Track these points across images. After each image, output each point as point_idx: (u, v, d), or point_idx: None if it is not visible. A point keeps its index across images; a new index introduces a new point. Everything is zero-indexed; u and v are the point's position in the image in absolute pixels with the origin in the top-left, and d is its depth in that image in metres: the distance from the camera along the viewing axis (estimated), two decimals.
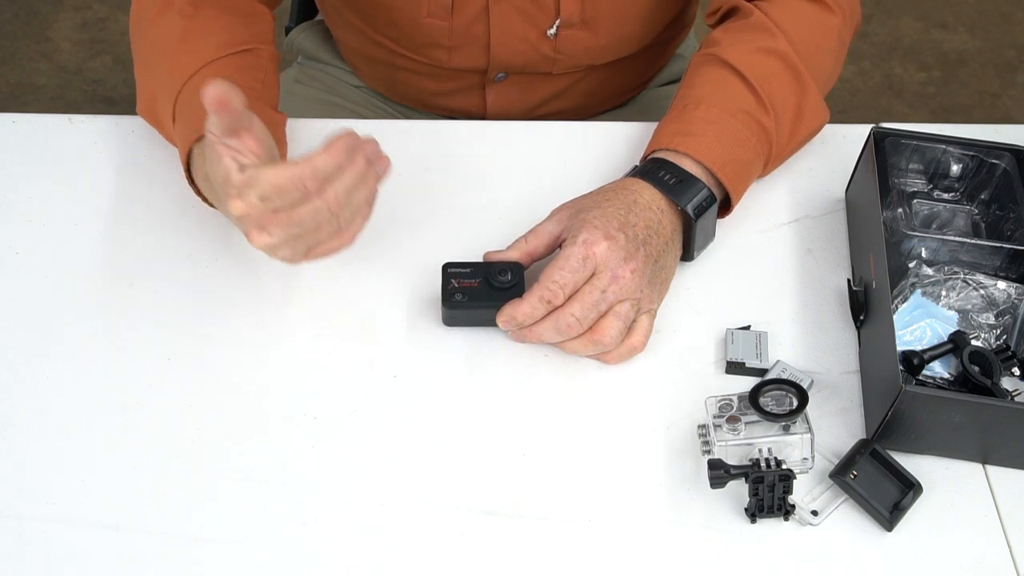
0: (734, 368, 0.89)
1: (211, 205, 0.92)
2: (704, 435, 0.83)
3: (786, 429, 0.80)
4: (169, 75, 0.95)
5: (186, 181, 0.93)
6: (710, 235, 0.95)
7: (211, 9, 0.98)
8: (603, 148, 1.05)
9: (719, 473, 0.78)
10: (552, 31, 1.08)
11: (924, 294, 0.90)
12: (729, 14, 1.05)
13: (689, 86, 0.99)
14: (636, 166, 0.96)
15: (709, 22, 1.08)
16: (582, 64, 1.14)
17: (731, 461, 0.80)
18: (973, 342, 0.87)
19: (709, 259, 0.97)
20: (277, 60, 1.02)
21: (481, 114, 1.20)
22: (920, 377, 0.86)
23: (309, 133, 1.04)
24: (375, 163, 0.81)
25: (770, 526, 0.80)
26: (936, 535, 0.81)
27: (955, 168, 0.97)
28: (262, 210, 0.77)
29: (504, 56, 1.11)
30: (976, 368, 0.85)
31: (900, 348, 0.85)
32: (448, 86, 1.18)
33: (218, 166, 0.79)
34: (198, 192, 0.92)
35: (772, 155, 0.98)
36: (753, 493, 0.79)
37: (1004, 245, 0.92)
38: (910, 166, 0.99)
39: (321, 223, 0.79)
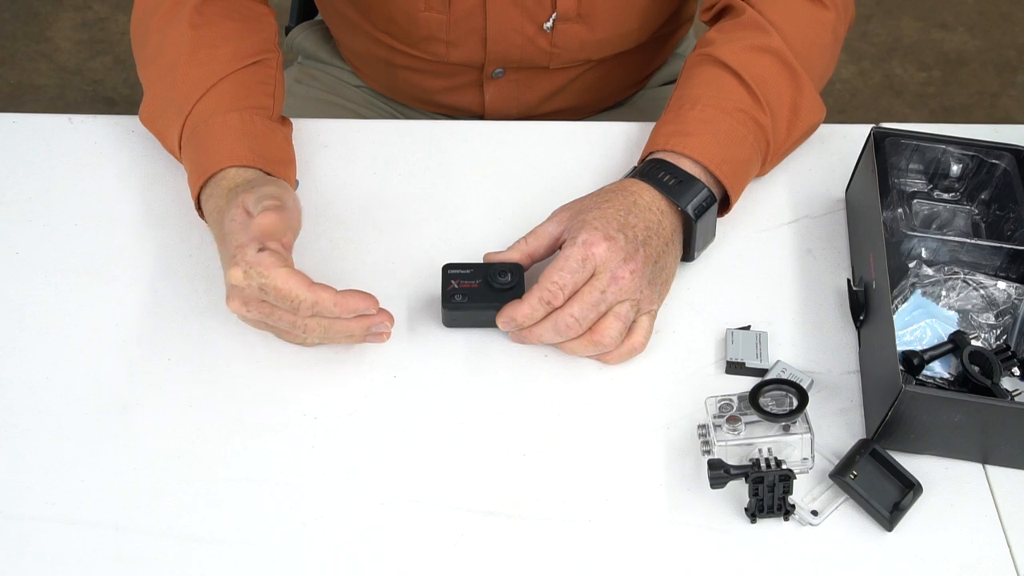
0: (734, 368, 0.89)
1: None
2: (704, 435, 0.83)
3: (786, 429, 0.80)
4: (177, 92, 0.95)
5: (191, 198, 0.93)
6: (710, 235, 0.95)
7: (219, 17, 0.98)
8: (602, 148, 1.05)
9: (719, 473, 0.78)
10: (548, 24, 1.08)
11: (924, 294, 0.90)
12: (723, 12, 1.05)
13: (685, 86, 0.99)
14: (635, 167, 0.96)
15: (704, 18, 1.09)
16: (579, 59, 1.14)
17: (731, 461, 0.80)
18: (973, 342, 0.87)
19: (709, 259, 0.97)
20: (282, 63, 1.02)
21: (480, 112, 1.20)
22: (920, 377, 0.86)
23: (309, 133, 1.04)
24: (373, 336, 0.87)
25: (770, 526, 0.80)
26: (936, 535, 0.81)
27: (955, 168, 0.97)
28: (255, 293, 0.82)
29: (501, 50, 1.11)
30: (976, 368, 0.85)
31: (900, 348, 0.85)
32: (447, 83, 1.18)
33: (239, 232, 0.84)
34: (201, 215, 0.93)
35: (770, 152, 0.98)
36: (753, 493, 0.79)
37: (1004, 245, 0.92)
38: (910, 166, 0.99)
39: (292, 333, 0.86)
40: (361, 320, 0.85)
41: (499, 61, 1.13)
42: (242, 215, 0.85)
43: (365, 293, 0.84)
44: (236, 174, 0.90)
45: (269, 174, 0.92)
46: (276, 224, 0.83)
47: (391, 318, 0.86)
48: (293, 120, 1.02)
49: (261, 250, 0.82)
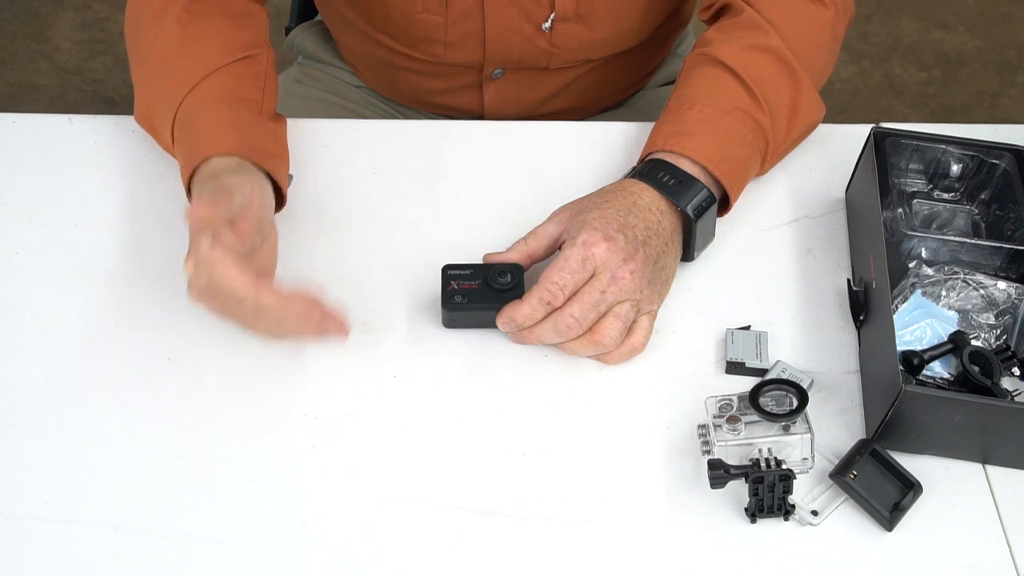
0: (734, 368, 0.89)
1: None
2: (704, 435, 0.83)
3: (786, 429, 0.80)
4: (168, 87, 0.95)
5: (184, 191, 0.93)
6: (710, 235, 0.95)
7: (208, 14, 0.98)
8: (602, 148, 1.05)
9: (719, 473, 0.78)
10: (547, 25, 1.08)
11: (924, 294, 0.90)
12: (722, 11, 1.05)
13: (684, 86, 0.99)
14: (634, 167, 0.96)
15: (703, 17, 1.09)
16: (578, 58, 1.14)
17: (731, 461, 0.80)
18: (973, 342, 0.87)
19: (709, 259, 0.97)
20: (275, 60, 1.02)
21: (479, 112, 1.20)
22: (920, 377, 0.86)
23: (309, 133, 1.04)
24: (328, 332, 0.85)
25: (770, 526, 0.80)
26: (936, 535, 0.81)
27: (955, 168, 0.97)
28: (204, 286, 0.82)
29: (500, 50, 1.11)
30: (976, 368, 0.85)
31: (900, 348, 0.85)
32: (446, 84, 1.18)
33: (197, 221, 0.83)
34: None
35: (769, 152, 0.98)
36: (753, 493, 0.79)
37: (1004, 245, 0.92)
38: (910, 166, 0.99)
39: (241, 326, 0.84)
40: (307, 323, 0.83)
41: (498, 62, 1.13)
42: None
43: (310, 297, 0.83)
44: (219, 162, 0.90)
45: (257, 164, 0.91)
46: (206, 214, 0.81)
47: (340, 322, 0.84)
48: (293, 120, 1.02)
49: (214, 244, 0.81)
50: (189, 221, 0.82)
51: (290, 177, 0.97)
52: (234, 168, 0.89)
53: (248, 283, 0.81)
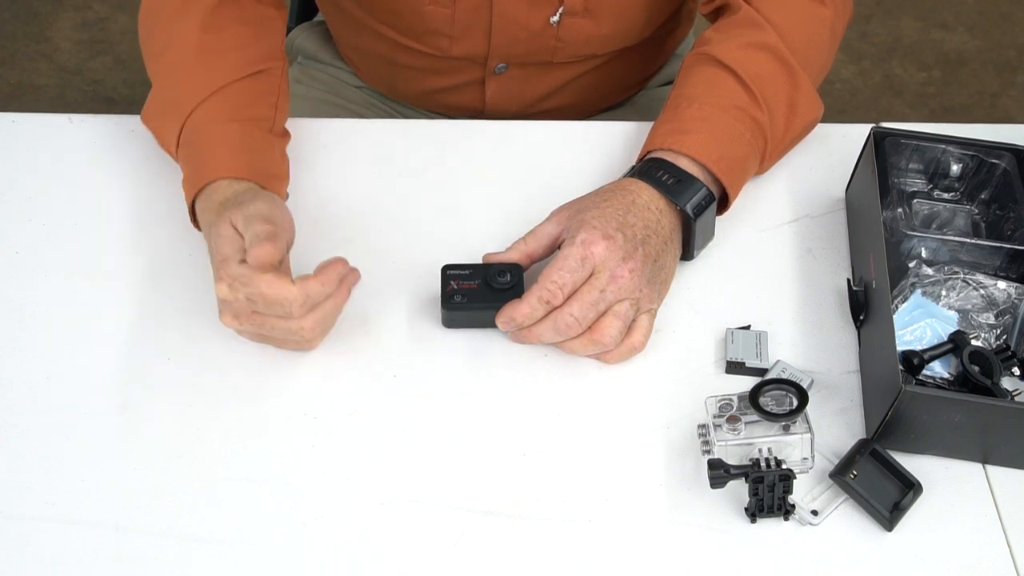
0: (734, 368, 0.89)
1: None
2: (704, 435, 0.83)
3: (786, 429, 0.80)
4: (180, 92, 0.95)
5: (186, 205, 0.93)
6: (710, 234, 0.95)
7: (230, 20, 0.98)
8: (602, 148, 1.05)
9: (719, 473, 0.78)
10: (555, 18, 1.08)
11: (924, 294, 0.90)
12: (722, 9, 1.05)
13: (682, 85, 0.99)
14: (633, 166, 0.96)
15: (703, 11, 1.09)
16: (583, 53, 1.14)
17: (731, 461, 0.80)
18: (973, 342, 0.87)
19: (709, 259, 0.97)
20: (287, 70, 1.02)
21: (480, 109, 1.20)
22: (920, 377, 0.86)
23: (309, 133, 1.04)
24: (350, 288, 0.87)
25: (770, 526, 0.80)
26: (936, 535, 0.81)
27: (955, 168, 0.97)
28: (244, 305, 0.83)
29: (505, 44, 1.11)
30: (976, 368, 0.85)
31: (900, 348, 0.85)
32: (448, 79, 1.17)
33: (224, 245, 0.84)
34: (195, 222, 0.94)
35: (768, 150, 0.98)
36: (753, 493, 0.79)
37: (1004, 245, 0.92)
38: (910, 166, 0.99)
39: (289, 339, 0.86)
40: (343, 286, 0.85)
41: (502, 56, 1.13)
42: (228, 229, 0.85)
43: (333, 260, 0.84)
44: (227, 186, 0.90)
45: (263, 188, 0.92)
46: (271, 255, 0.82)
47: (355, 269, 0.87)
48: (293, 120, 1.02)
49: (243, 261, 0.82)
50: (252, 262, 0.82)
51: (286, 195, 0.97)
52: (244, 194, 0.89)
53: (287, 284, 0.81)
